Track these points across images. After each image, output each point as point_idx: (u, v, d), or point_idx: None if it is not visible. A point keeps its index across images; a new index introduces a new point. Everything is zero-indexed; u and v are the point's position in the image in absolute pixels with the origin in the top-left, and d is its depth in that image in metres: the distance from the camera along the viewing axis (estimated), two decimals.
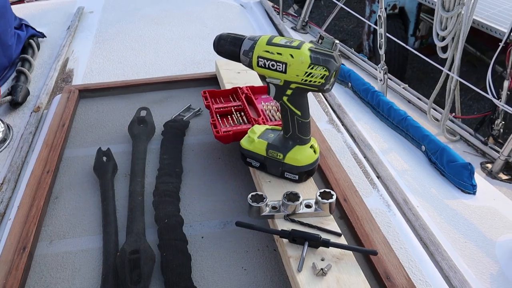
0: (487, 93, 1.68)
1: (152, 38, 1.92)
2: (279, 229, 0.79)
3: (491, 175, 1.71)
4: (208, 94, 1.16)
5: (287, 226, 0.80)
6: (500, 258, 0.96)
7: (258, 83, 1.24)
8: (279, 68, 0.82)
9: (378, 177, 1.13)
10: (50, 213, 0.95)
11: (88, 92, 1.34)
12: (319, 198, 0.81)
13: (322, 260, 0.74)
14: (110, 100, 1.33)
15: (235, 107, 1.12)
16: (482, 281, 0.90)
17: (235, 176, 1.04)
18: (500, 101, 1.75)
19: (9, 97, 1.45)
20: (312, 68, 0.79)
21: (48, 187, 0.98)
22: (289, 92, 0.84)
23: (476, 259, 0.96)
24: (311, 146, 0.91)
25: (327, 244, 0.75)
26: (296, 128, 0.88)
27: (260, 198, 0.83)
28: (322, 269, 0.71)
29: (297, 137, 0.89)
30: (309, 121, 0.88)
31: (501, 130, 1.88)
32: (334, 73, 0.80)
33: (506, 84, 1.77)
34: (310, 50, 0.80)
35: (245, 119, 1.09)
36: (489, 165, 1.75)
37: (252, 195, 0.83)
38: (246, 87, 1.19)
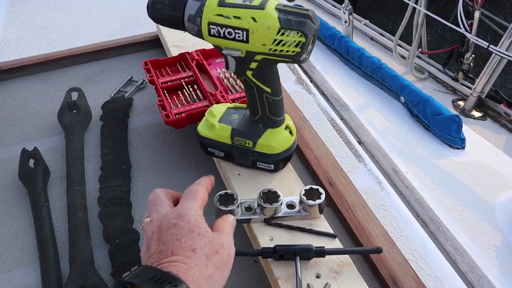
0: (459, 27, 1.54)
1: None
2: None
3: (464, 113, 1.62)
4: (150, 65, 0.95)
5: (268, 232, 0.65)
6: (502, 225, 0.87)
7: None
8: (239, 37, 0.62)
9: (360, 142, 0.99)
10: None
11: (2, 74, 1.09)
12: (304, 198, 0.65)
13: (318, 277, 0.60)
14: (31, 81, 1.08)
15: (186, 79, 0.92)
16: (487, 256, 0.81)
17: (196, 164, 0.86)
18: (471, 33, 1.62)
19: None
20: (283, 34, 0.60)
21: None
22: (253, 65, 0.65)
23: (477, 229, 0.86)
24: (287, 127, 0.74)
25: (322, 253, 0.61)
26: (266, 109, 0.70)
27: (230, 199, 0.66)
28: None
29: (268, 119, 0.71)
30: (281, 97, 0.70)
31: (471, 64, 1.77)
32: (312, 38, 0.61)
33: (477, 14, 1.63)
34: (277, 9, 0.60)
35: (199, 94, 0.90)
36: (461, 103, 1.66)
37: (220, 196, 0.66)
38: (196, 51, 0.98)
